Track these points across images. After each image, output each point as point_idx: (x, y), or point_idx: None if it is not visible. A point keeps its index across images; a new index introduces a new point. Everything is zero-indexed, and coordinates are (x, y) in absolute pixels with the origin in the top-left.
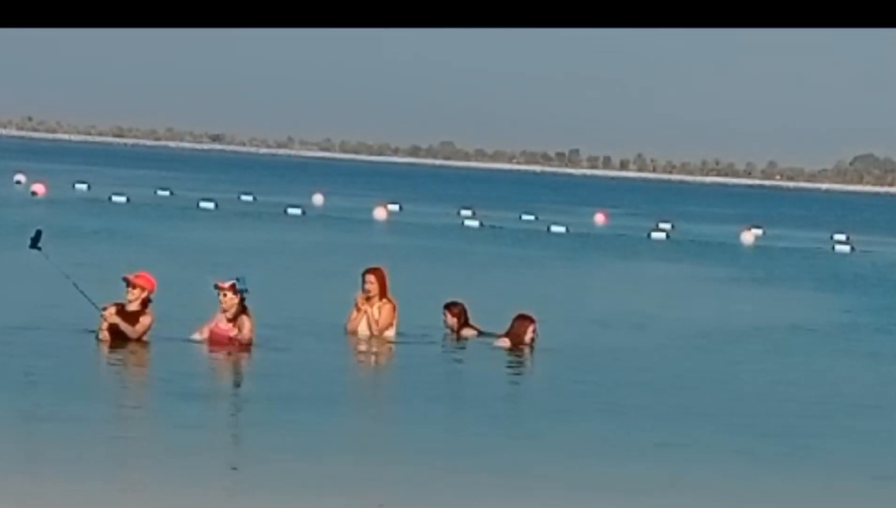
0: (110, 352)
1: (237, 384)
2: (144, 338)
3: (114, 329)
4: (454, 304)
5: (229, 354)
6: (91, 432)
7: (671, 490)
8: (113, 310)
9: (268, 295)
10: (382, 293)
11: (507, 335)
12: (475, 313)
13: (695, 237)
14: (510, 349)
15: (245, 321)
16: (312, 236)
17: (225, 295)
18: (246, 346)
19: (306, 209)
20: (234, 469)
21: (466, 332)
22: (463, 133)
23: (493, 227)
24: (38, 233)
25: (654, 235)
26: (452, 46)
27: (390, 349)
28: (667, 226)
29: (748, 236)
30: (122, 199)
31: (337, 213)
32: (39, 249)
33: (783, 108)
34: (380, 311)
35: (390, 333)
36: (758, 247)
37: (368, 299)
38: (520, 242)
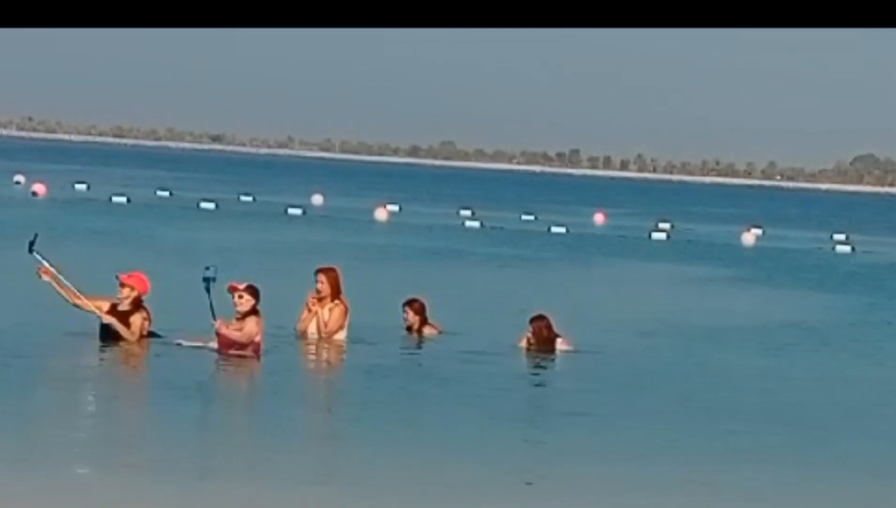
0: (107, 352)
1: (233, 385)
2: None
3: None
4: (414, 300)
5: (230, 355)
6: (90, 431)
7: (672, 489)
8: (107, 308)
9: (267, 296)
10: (335, 295)
11: (532, 334)
12: (474, 313)
13: (695, 237)
14: (531, 349)
15: (249, 321)
16: (312, 236)
17: (241, 297)
18: (247, 345)
19: (306, 209)
20: (231, 472)
21: (428, 331)
22: (463, 133)
23: (493, 227)
24: (35, 237)
25: (654, 235)
26: (453, 46)
27: (385, 348)
28: (667, 226)
29: (748, 236)
30: (122, 199)
31: (337, 213)
32: (32, 252)
33: (783, 108)
34: (330, 313)
35: (341, 336)
36: (758, 247)
37: (320, 299)
38: (520, 242)
